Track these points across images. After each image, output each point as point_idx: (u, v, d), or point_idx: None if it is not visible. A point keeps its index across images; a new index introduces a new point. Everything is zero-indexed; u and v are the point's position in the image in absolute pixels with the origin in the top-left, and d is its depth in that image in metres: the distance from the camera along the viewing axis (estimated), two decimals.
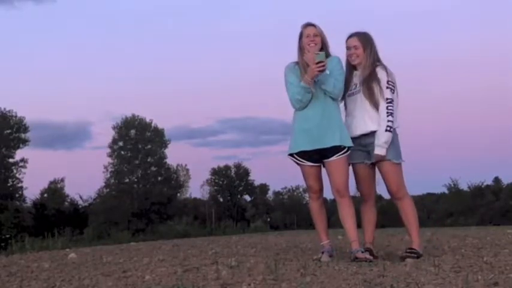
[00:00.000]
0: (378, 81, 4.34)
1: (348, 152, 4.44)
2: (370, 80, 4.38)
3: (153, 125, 48.89)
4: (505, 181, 51.21)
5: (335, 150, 4.41)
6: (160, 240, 11.73)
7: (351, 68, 4.55)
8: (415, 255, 4.28)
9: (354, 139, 4.44)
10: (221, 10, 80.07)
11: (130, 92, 74.25)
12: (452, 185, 51.50)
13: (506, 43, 75.08)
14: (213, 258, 4.76)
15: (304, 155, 4.50)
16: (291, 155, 4.59)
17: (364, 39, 4.50)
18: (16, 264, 5.30)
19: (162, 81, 75.00)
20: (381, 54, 4.54)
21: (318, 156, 4.48)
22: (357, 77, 4.51)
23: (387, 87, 4.32)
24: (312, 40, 4.47)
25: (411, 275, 3.46)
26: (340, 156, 4.41)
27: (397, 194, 4.49)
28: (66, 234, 21.09)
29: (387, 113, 4.29)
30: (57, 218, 44.39)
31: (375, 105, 4.36)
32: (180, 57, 75.47)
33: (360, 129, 4.45)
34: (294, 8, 79.14)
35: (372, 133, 4.39)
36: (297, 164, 4.62)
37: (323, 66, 4.26)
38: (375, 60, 4.44)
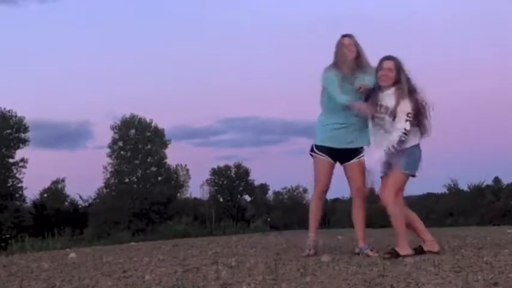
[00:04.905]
0: (403, 112, 4.63)
1: (363, 155, 4.89)
2: (396, 110, 4.65)
3: (153, 125, 48.86)
4: (505, 181, 51.03)
5: (356, 152, 4.87)
6: (160, 240, 11.70)
7: (378, 87, 4.78)
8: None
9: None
10: (221, 11, 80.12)
11: (131, 91, 74.28)
12: (452, 185, 51.44)
13: (506, 43, 75.14)
14: (213, 258, 4.76)
15: (324, 150, 4.87)
16: (316, 147, 4.92)
17: (399, 64, 4.77)
18: (16, 264, 5.31)
19: (162, 81, 75.03)
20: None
21: (338, 155, 4.87)
22: (386, 98, 4.69)
23: (406, 120, 4.62)
24: (348, 50, 4.82)
25: (411, 275, 3.46)
26: (360, 158, 4.88)
27: (383, 200, 4.64)
28: (66, 234, 21.05)
29: (398, 141, 4.59)
30: (57, 218, 44.36)
31: (395, 131, 4.64)
32: (180, 57, 75.46)
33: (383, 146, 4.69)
34: (295, 10, 79.27)
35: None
36: (314, 158, 4.92)
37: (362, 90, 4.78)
38: (409, 89, 4.69)
